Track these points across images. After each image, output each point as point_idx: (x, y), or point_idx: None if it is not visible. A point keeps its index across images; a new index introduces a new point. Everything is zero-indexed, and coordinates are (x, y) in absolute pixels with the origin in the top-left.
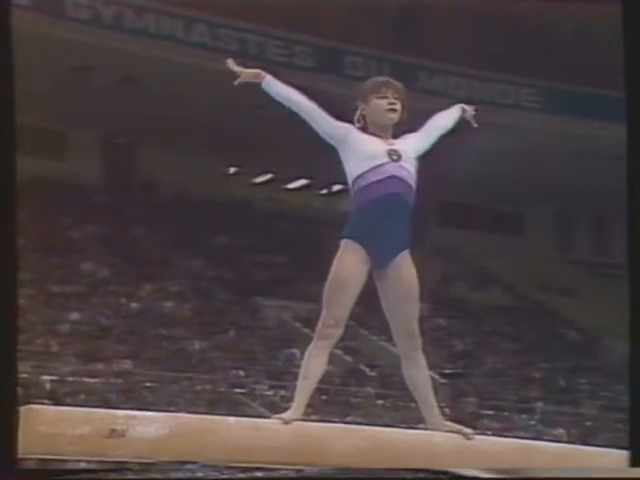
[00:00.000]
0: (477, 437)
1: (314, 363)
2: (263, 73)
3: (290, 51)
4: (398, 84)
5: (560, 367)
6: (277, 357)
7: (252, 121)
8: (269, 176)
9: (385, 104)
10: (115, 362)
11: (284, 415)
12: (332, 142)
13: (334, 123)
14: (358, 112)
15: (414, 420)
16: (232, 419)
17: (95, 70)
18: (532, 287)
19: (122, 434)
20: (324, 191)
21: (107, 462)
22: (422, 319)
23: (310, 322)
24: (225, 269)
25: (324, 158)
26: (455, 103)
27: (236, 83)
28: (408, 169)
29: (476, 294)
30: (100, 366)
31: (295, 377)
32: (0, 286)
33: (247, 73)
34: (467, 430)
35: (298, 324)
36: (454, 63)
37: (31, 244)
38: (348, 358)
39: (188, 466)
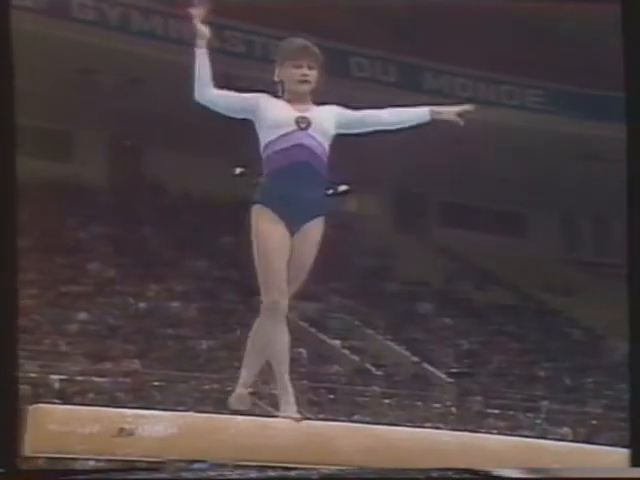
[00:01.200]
0: (482, 435)
1: (274, 340)
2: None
3: None
4: (316, 51)
5: (565, 366)
6: None
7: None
8: None
9: (298, 75)
10: (123, 361)
11: (287, 412)
12: (247, 116)
13: (242, 97)
14: (275, 74)
15: (420, 419)
16: (240, 418)
17: (101, 72)
18: (536, 287)
19: (131, 433)
20: (329, 191)
21: (115, 461)
22: (428, 318)
23: (315, 321)
24: (231, 269)
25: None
26: (461, 104)
27: None
28: (317, 139)
29: (481, 294)
30: (108, 365)
31: (301, 376)
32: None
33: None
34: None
35: (304, 324)
36: (460, 64)
37: (37, 245)
38: (354, 357)
39: (196, 465)
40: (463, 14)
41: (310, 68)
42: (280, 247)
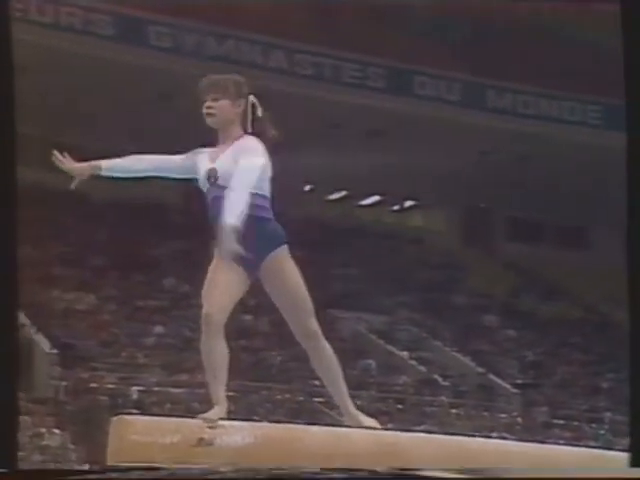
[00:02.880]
0: (548, 446)
1: (217, 354)
2: (95, 163)
3: (364, 73)
4: (221, 81)
5: (628, 377)
6: (353, 367)
7: (327, 140)
8: (343, 193)
9: (205, 109)
10: (198, 373)
11: (210, 414)
12: (193, 176)
13: (179, 159)
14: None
15: (486, 429)
16: (315, 428)
17: (176, 96)
18: (600, 299)
19: (210, 443)
20: (396, 207)
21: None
22: (493, 330)
23: (384, 333)
24: None
25: (396, 176)
26: (523, 121)
27: (72, 186)
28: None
29: (545, 306)
30: (184, 377)
31: (370, 387)
32: (1, 298)
33: (81, 169)
34: (374, 423)
35: (373, 335)
36: (521, 81)
37: (115, 263)
38: (422, 368)
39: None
40: (522, 32)
41: (214, 100)
42: (228, 282)
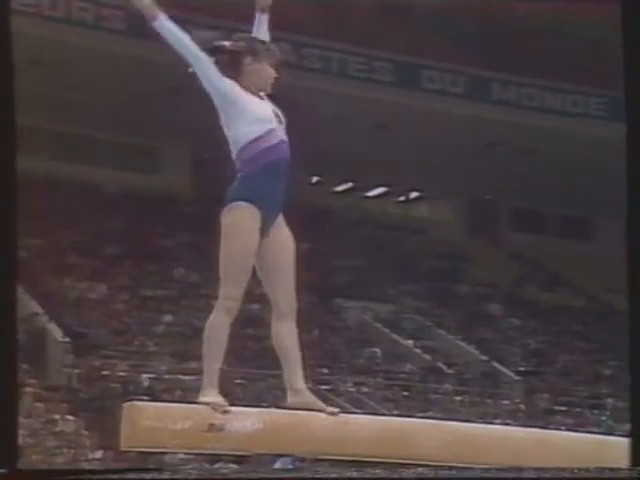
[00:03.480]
0: (553, 432)
1: (221, 340)
2: (158, 13)
3: (370, 67)
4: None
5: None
6: (359, 355)
7: (333, 134)
8: (349, 185)
9: (273, 74)
10: None
11: (219, 399)
12: (217, 99)
13: (221, 77)
14: (244, 63)
15: (490, 415)
16: (322, 414)
17: (186, 91)
18: (602, 288)
19: (220, 428)
20: (402, 198)
21: (205, 454)
22: (497, 319)
23: (390, 322)
24: (308, 273)
25: (402, 167)
26: (528, 113)
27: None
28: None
29: (548, 295)
30: (193, 364)
31: (376, 374)
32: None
33: (144, 4)
34: (322, 406)
35: (378, 324)
36: (526, 74)
37: (128, 252)
38: (427, 356)
39: (281, 459)
40: (526, 25)
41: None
42: (255, 246)
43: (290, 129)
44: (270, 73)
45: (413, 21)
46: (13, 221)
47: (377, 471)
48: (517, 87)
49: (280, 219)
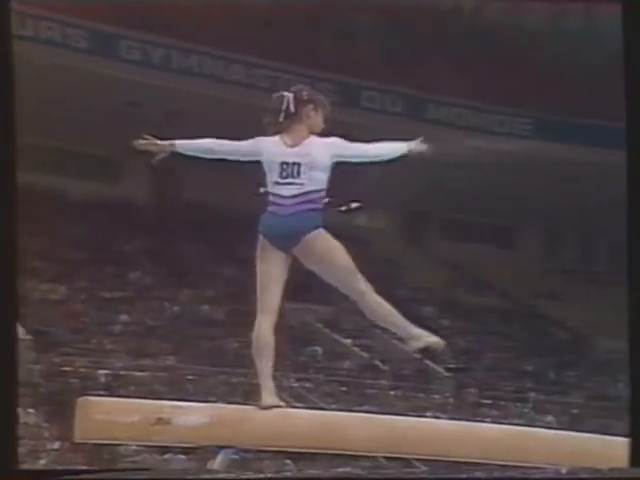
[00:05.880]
0: (477, 424)
1: (267, 348)
2: (172, 142)
3: (315, 87)
4: None
5: (550, 362)
6: (301, 353)
7: None
8: None
9: (321, 126)
10: (160, 358)
11: (263, 403)
12: (256, 157)
13: (244, 144)
14: (308, 109)
15: (422, 409)
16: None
17: (145, 105)
18: (525, 292)
19: (167, 422)
20: (342, 208)
21: (154, 447)
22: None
23: (330, 323)
24: (255, 276)
25: (341, 177)
26: (457, 132)
27: (154, 162)
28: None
29: (476, 299)
30: (147, 361)
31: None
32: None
33: (162, 147)
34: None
35: (319, 324)
36: (457, 96)
37: (91, 257)
38: (364, 354)
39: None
40: (460, 51)
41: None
42: (275, 271)
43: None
44: (320, 123)
45: (355, 44)
46: (14, 224)
47: (389, 471)
48: (448, 107)
49: (312, 235)
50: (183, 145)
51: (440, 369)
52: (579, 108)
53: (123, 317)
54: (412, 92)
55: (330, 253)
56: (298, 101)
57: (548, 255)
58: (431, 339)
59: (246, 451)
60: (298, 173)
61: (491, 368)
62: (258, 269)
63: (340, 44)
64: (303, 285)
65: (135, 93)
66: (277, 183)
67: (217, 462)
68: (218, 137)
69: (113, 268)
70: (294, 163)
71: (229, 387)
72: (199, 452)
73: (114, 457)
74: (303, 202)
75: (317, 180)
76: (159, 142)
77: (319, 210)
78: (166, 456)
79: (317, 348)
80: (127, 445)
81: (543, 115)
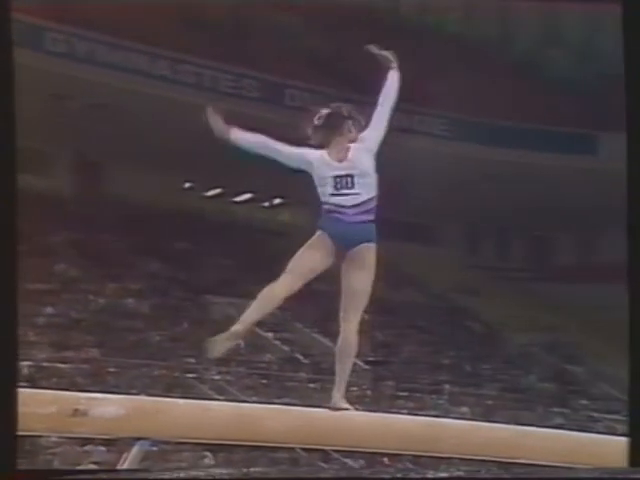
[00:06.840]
0: (393, 416)
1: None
2: (227, 127)
3: (239, 84)
4: None
5: (466, 355)
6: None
7: (203, 143)
8: (218, 190)
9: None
10: (83, 350)
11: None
12: (302, 167)
13: (295, 152)
14: (348, 124)
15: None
16: (182, 401)
17: (70, 97)
18: (444, 287)
19: (84, 413)
20: (266, 204)
21: (72, 438)
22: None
23: None
24: (179, 271)
25: (265, 175)
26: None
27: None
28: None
29: (395, 293)
30: (70, 354)
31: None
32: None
33: (219, 128)
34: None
35: None
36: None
37: (9, 249)
38: (285, 348)
39: (141, 442)
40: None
41: None
42: (321, 259)
43: (168, 140)
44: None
45: (279, 47)
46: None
47: (389, 470)
48: (371, 107)
49: (367, 245)
50: (238, 133)
51: (359, 362)
52: (493, 110)
53: (48, 309)
54: (334, 92)
55: (369, 268)
56: (339, 117)
57: (466, 252)
58: (344, 406)
59: (165, 442)
60: (352, 184)
61: (409, 361)
62: (302, 251)
63: (265, 42)
64: (226, 278)
65: (60, 86)
66: (333, 195)
67: (132, 453)
68: (142, 130)
69: (38, 260)
70: (347, 175)
71: (151, 380)
72: (118, 444)
73: (36, 449)
74: (363, 212)
75: (369, 187)
76: (222, 123)
77: (374, 222)
78: (86, 447)
79: (239, 341)
80: (47, 437)
81: (462, 116)
